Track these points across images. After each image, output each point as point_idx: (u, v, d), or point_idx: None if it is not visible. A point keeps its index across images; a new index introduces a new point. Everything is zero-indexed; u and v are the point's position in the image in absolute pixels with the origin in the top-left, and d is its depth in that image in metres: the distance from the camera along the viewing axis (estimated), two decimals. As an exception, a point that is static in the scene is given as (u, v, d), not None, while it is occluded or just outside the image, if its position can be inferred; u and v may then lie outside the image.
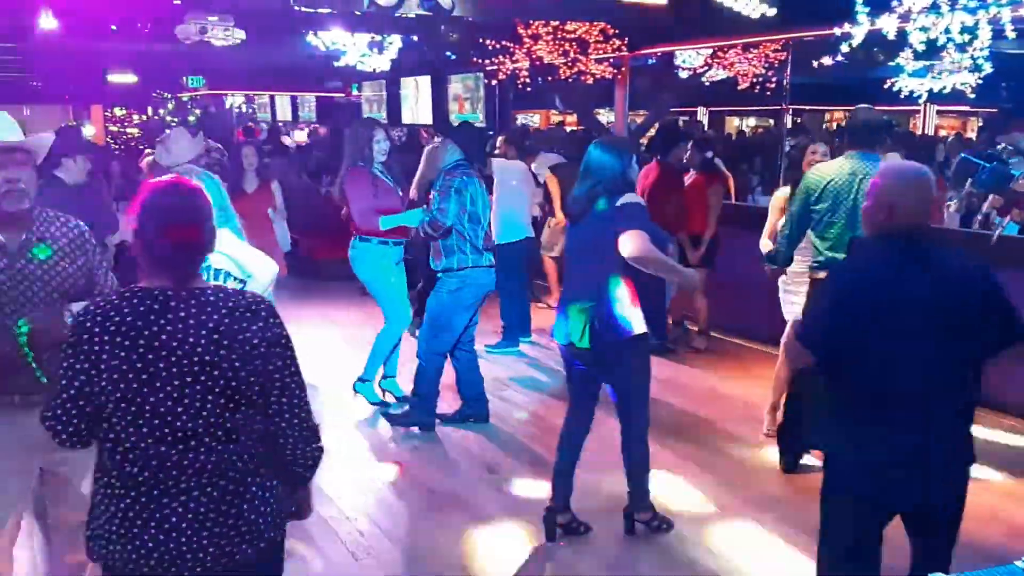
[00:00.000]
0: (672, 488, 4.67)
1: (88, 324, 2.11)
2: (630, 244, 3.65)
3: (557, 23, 11.12)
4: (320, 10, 7.83)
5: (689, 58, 12.53)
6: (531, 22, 11.13)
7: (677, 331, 7.33)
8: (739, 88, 11.14)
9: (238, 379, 2.11)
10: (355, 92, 19.80)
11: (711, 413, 5.87)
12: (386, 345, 5.90)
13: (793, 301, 5.07)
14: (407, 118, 16.69)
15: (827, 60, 8.44)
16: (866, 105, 4.73)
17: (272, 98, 23.44)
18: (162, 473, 2.11)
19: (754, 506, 4.53)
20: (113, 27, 12.64)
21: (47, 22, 10.24)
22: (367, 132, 5.75)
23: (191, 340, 2.09)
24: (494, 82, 13.33)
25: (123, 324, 2.09)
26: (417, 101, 16.57)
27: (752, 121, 19.78)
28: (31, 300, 2.93)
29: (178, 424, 2.09)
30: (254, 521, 2.19)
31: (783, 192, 5.37)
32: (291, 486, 2.33)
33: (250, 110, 23.69)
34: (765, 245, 5.17)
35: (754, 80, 10.88)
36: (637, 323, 3.78)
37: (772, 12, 9.42)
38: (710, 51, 11.26)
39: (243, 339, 2.12)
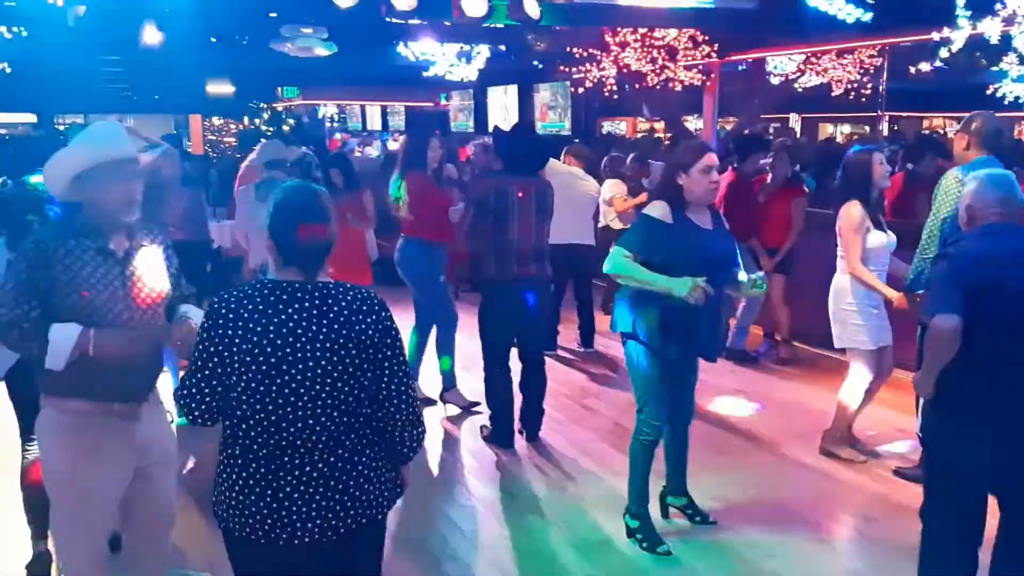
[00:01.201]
0: (742, 494, 4.57)
1: (223, 311, 2.34)
2: (606, 261, 3.84)
3: (645, 30, 11.06)
4: (411, 21, 7.95)
5: (781, 64, 12.31)
6: (619, 30, 11.10)
7: (764, 342, 7.20)
8: (833, 94, 10.89)
9: (353, 366, 2.33)
10: (443, 101, 20.06)
11: (790, 424, 5.72)
12: (450, 344, 5.99)
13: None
14: (492, 126, 16.82)
15: (925, 66, 8.19)
16: (987, 112, 4.45)
17: (363, 108, 23.90)
18: (278, 449, 2.33)
19: (836, 521, 4.40)
20: (213, 39, 13.10)
21: (151, 36, 10.68)
22: (426, 140, 5.92)
23: (313, 329, 2.31)
24: (580, 90, 13.33)
25: (255, 312, 2.32)
26: (505, 110, 16.69)
27: (847, 128, 19.29)
28: (139, 305, 3.05)
29: (298, 405, 2.31)
30: (360, 496, 2.39)
31: (857, 210, 4.70)
32: (394, 463, 2.52)
33: (341, 119, 24.23)
34: (866, 273, 4.70)
35: (849, 86, 10.63)
36: (622, 323, 3.97)
37: (867, 16, 9.18)
38: (803, 57, 11.05)
39: (359, 330, 2.34)
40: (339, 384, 2.33)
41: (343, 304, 2.36)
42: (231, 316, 2.33)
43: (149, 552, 3.26)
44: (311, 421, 2.32)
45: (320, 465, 2.34)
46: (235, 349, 2.31)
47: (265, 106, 21.58)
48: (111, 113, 17.44)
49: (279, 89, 21.50)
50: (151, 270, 3.09)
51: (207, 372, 2.35)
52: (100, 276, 2.93)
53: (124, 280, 2.99)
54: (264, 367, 2.30)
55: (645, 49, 11.38)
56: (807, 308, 6.93)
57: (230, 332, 2.32)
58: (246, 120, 21.72)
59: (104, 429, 3.00)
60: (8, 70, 10.36)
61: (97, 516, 3.05)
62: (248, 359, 2.30)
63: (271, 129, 20.98)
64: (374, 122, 23.56)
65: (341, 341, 2.32)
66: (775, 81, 12.50)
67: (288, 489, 2.33)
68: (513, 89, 16.24)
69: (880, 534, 4.21)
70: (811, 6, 9.26)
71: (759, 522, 4.31)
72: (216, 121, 21.81)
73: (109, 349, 2.88)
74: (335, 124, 23.70)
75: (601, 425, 5.70)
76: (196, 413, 2.40)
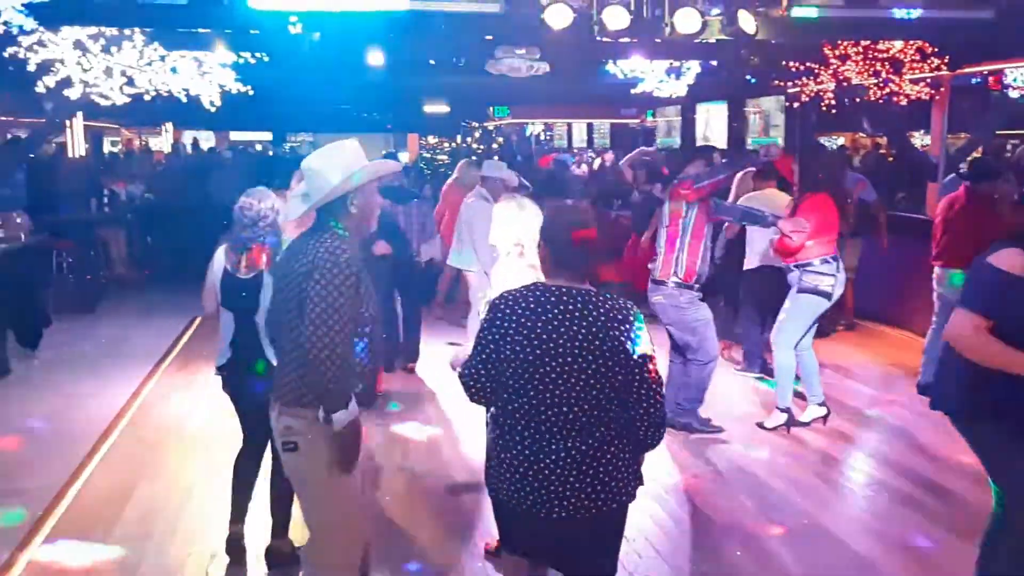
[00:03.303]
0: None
1: (502, 307, 2.74)
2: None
3: (868, 42, 10.51)
4: (622, 40, 7.94)
5: (1021, 76, 11.37)
6: (839, 42, 10.60)
7: None
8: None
9: (606, 367, 2.63)
10: (649, 118, 19.92)
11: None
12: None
13: None
14: (701, 143, 16.51)
15: None
16: None
17: (569, 125, 24.16)
18: (537, 433, 2.68)
19: None
20: (431, 62, 13.67)
21: (375, 58, 11.31)
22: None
23: (573, 329, 2.64)
24: (796, 104, 12.85)
25: (527, 310, 2.69)
26: (708, 125, 16.36)
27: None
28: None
29: (556, 394, 2.65)
30: (609, 483, 2.68)
31: None
32: (636, 458, 2.80)
33: (548, 137, 24.61)
34: None
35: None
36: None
37: None
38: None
39: (613, 335, 2.64)
40: (591, 382, 2.63)
41: (602, 311, 2.66)
42: (508, 312, 2.71)
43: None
44: (565, 409, 2.64)
45: (574, 452, 2.65)
46: (508, 340, 2.69)
47: (476, 125, 22.32)
48: (337, 133, 18.67)
49: (490, 108, 22.16)
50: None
51: (483, 358, 2.74)
52: (364, 287, 3.03)
53: (368, 289, 3.19)
54: (529, 359, 2.65)
55: (868, 62, 10.81)
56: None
57: (505, 325, 2.70)
58: (458, 139, 22.53)
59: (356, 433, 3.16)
60: (251, 92, 11.27)
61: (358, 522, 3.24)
62: (517, 350, 2.67)
63: (481, 147, 21.66)
64: (580, 139, 23.76)
65: (596, 343, 2.62)
66: (1014, 95, 11.55)
67: (547, 471, 2.66)
68: (722, 105, 15.89)
69: None
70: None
71: None
72: (431, 139, 22.78)
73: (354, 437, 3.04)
74: (542, 142, 24.10)
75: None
76: (473, 392, 2.80)
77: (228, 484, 4.33)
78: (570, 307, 2.66)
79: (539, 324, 2.66)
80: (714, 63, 12.63)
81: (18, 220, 8.26)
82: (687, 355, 5.93)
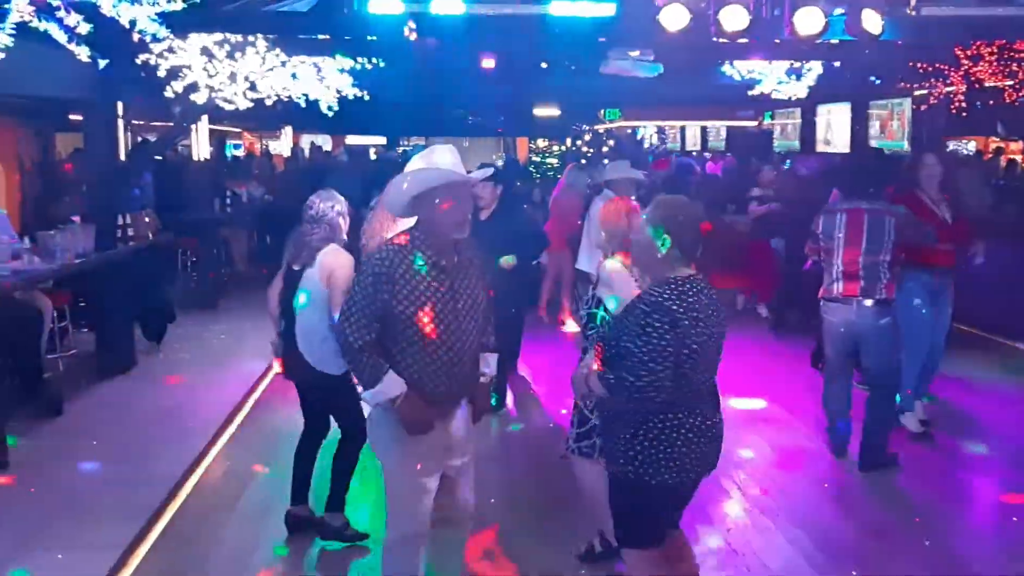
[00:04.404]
0: None
1: (672, 307, 3.02)
2: None
3: (1005, 41, 9.95)
4: (740, 40, 7.72)
5: None
6: (973, 43, 10.08)
7: None
8: None
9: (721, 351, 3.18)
10: (767, 120, 19.41)
11: None
12: None
13: None
14: (821, 146, 16.00)
15: None
16: None
17: (682, 128, 23.79)
18: (711, 407, 3.21)
19: None
20: (544, 64, 13.65)
21: (487, 62, 11.38)
22: None
23: (715, 317, 3.10)
24: (923, 107, 12.30)
25: (696, 303, 3.05)
26: (829, 127, 15.83)
27: None
28: (468, 315, 3.24)
29: (714, 368, 3.19)
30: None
31: None
32: None
33: (660, 139, 24.29)
34: None
35: None
36: None
37: None
38: None
39: (717, 320, 3.12)
40: (717, 363, 3.20)
41: (715, 297, 3.14)
42: (682, 310, 3.00)
43: (447, 548, 3.57)
44: (696, 387, 3.11)
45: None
46: (689, 337, 3.00)
47: (587, 127, 22.21)
48: (449, 136, 18.89)
49: (601, 111, 22.01)
50: (473, 284, 3.28)
51: (665, 360, 2.97)
52: (433, 289, 3.14)
53: (452, 293, 3.19)
54: (704, 344, 3.04)
55: (1003, 63, 10.24)
56: None
57: (685, 324, 2.99)
58: (568, 142, 22.48)
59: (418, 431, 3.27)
60: (367, 97, 11.50)
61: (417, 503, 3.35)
62: (700, 340, 3.02)
63: (591, 150, 21.54)
64: (695, 142, 23.35)
65: (724, 330, 3.15)
66: None
67: (718, 434, 3.24)
68: (843, 106, 15.35)
69: None
70: None
71: None
72: (540, 143, 22.80)
73: (410, 412, 3.19)
74: (653, 144, 23.81)
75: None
76: (652, 394, 3.00)
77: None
78: (711, 295, 3.12)
79: (707, 313, 3.07)
80: (836, 64, 12.18)
81: (146, 219, 8.64)
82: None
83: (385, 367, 3.17)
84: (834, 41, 8.09)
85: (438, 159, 3.26)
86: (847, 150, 14.76)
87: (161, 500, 5.00)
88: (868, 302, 5.38)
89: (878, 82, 12.75)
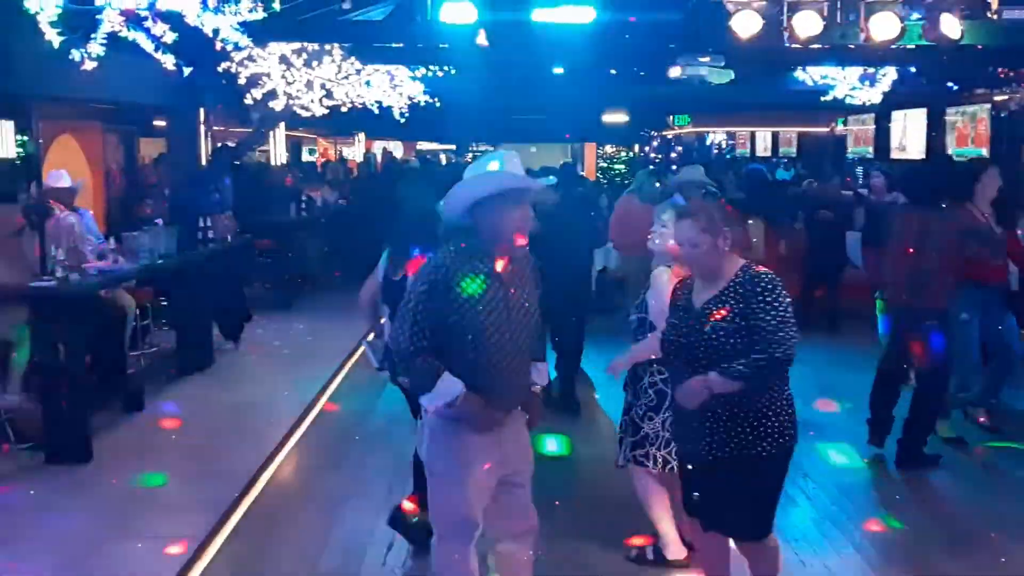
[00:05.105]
0: None
1: (771, 275, 3.28)
2: None
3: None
4: (813, 46, 7.63)
5: None
6: (1058, 46, 9.76)
7: None
8: None
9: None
10: (839, 126, 19.06)
11: None
12: None
13: None
14: (895, 153, 15.65)
15: None
16: None
17: (752, 134, 23.47)
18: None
19: None
20: (612, 71, 13.65)
21: (556, 69, 11.45)
22: None
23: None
24: (1003, 113, 11.95)
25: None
26: (904, 134, 15.47)
27: None
28: (522, 324, 3.26)
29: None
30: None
31: None
32: None
33: (730, 146, 24.01)
34: None
35: None
36: None
37: None
38: None
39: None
40: None
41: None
42: (778, 279, 3.31)
43: (515, 566, 3.51)
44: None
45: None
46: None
47: (655, 133, 22.09)
48: (517, 143, 18.98)
49: (670, 117, 21.86)
50: (528, 293, 3.30)
51: (794, 320, 3.21)
52: (489, 297, 3.16)
53: (507, 301, 3.21)
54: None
55: (1090, 66, 9.92)
56: None
57: (785, 290, 3.27)
58: (636, 148, 22.40)
59: (476, 431, 3.25)
60: (438, 104, 11.67)
61: (466, 508, 3.32)
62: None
63: (659, 156, 21.41)
64: (765, 148, 23.00)
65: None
66: None
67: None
68: (919, 113, 14.98)
69: None
70: None
71: None
72: (608, 149, 22.75)
73: (472, 409, 3.17)
74: (723, 151, 23.55)
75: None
76: (793, 353, 3.22)
77: (404, 477, 4.62)
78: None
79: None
80: (912, 69, 11.93)
81: (226, 222, 8.90)
82: None
83: (441, 369, 3.15)
84: (910, 46, 7.93)
85: (497, 166, 3.26)
86: (922, 157, 14.40)
87: (236, 494, 5.15)
88: None
89: (955, 88, 12.43)
